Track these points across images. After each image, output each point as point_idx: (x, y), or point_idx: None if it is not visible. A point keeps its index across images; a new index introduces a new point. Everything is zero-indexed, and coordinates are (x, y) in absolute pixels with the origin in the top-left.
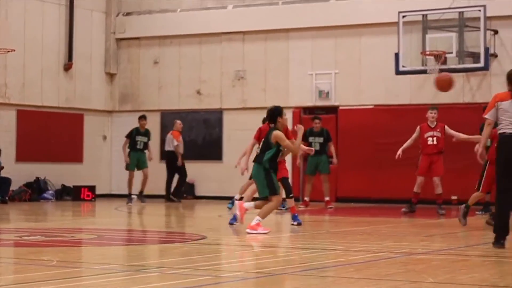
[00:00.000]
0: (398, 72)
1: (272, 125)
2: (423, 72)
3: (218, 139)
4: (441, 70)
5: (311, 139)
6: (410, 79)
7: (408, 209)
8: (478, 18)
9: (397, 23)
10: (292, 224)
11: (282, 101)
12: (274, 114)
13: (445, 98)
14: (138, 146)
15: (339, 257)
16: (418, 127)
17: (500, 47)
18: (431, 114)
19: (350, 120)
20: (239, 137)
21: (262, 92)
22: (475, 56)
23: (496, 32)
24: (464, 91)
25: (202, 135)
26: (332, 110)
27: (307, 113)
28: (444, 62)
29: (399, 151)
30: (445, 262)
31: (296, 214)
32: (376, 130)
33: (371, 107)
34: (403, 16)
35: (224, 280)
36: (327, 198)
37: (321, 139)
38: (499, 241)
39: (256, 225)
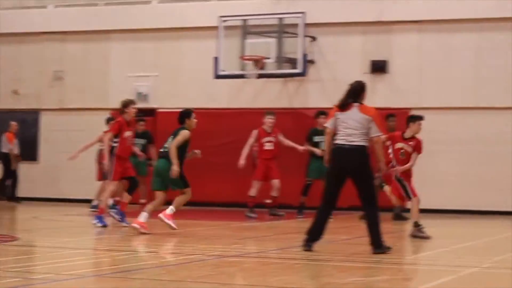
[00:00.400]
0: (217, 76)
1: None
2: (242, 76)
3: (34, 140)
4: (259, 75)
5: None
6: (228, 83)
7: (252, 213)
8: (297, 25)
9: (217, 28)
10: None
11: (102, 102)
12: (182, 116)
13: (262, 102)
14: None
15: (151, 260)
16: (256, 132)
17: (318, 53)
18: (270, 120)
19: (168, 122)
20: (57, 138)
21: (81, 93)
22: (293, 62)
23: (314, 38)
24: (281, 96)
25: (19, 135)
26: (151, 112)
27: None
28: (263, 67)
29: (242, 161)
30: (256, 264)
31: (102, 216)
32: (194, 133)
33: None
34: (224, 21)
35: (34, 282)
36: (143, 201)
37: (143, 141)
38: (308, 244)
39: (170, 216)
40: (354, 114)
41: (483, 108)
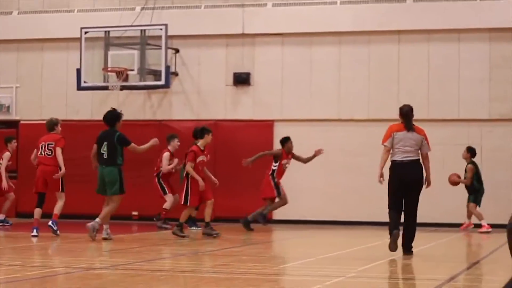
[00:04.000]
0: (79, 88)
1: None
2: (105, 88)
3: None
4: (122, 87)
5: None
6: (91, 94)
7: (165, 224)
8: (160, 37)
9: (79, 39)
10: None
11: None
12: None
13: (126, 114)
14: None
15: (15, 273)
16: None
17: (181, 65)
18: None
19: (31, 135)
20: None
21: None
22: (156, 74)
23: (177, 51)
24: (145, 108)
25: None
26: (14, 124)
27: None
28: (126, 79)
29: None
30: (122, 276)
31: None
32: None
33: None
34: (86, 32)
35: None
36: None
37: None
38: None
39: None
40: (411, 134)
41: (345, 121)
